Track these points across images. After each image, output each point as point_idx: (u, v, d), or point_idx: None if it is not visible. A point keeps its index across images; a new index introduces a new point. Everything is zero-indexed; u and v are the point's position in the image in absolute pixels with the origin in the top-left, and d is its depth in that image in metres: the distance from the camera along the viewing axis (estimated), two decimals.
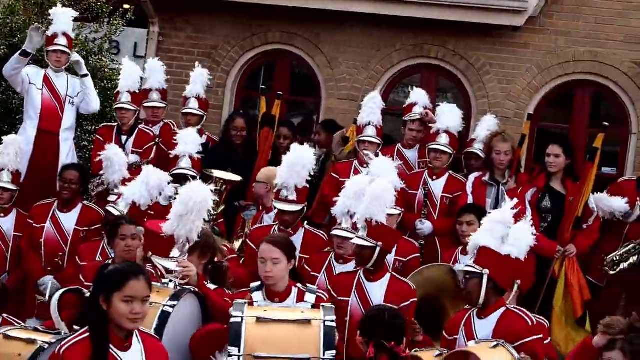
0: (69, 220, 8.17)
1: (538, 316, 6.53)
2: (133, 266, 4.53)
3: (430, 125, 8.88)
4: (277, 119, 9.31)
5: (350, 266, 6.93)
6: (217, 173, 8.00)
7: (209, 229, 6.19)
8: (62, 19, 8.96)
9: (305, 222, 7.69)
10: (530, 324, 5.66)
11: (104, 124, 9.64)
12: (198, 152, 8.48)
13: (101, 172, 8.41)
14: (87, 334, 4.26)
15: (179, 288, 5.57)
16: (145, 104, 9.55)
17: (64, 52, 8.97)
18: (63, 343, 4.27)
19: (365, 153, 8.38)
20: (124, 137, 9.11)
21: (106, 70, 10.69)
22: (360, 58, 11.01)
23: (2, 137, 8.51)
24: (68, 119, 9.06)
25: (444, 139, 8.59)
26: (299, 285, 5.85)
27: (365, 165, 8.32)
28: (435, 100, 9.90)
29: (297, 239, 7.07)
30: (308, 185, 7.44)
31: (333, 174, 8.70)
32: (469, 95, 10.81)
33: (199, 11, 11.33)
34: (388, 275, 6.57)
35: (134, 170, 8.41)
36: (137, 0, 11.30)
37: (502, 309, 5.76)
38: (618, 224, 8.49)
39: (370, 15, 10.70)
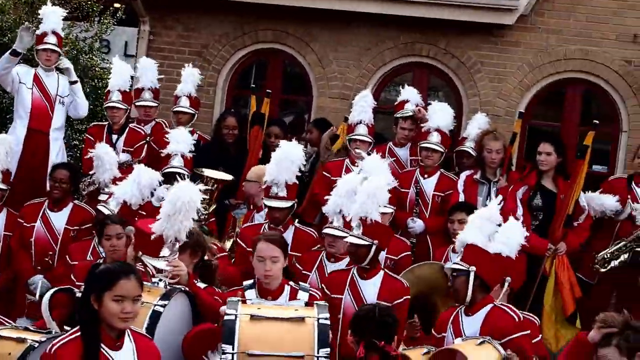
0: (60, 219, 8.15)
1: (529, 314, 6.54)
2: (124, 265, 4.53)
3: (421, 123, 8.88)
4: (266, 117, 9.30)
5: (342, 264, 6.94)
6: (207, 172, 8.00)
7: (197, 228, 6.17)
8: (52, 17, 8.94)
9: (296, 220, 7.69)
10: (517, 320, 5.68)
11: (95, 123, 9.62)
12: (190, 151, 8.47)
13: (92, 172, 8.39)
14: (78, 333, 4.25)
15: (169, 287, 5.56)
16: (137, 103, 9.54)
17: (54, 51, 8.95)
18: (55, 342, 4.25)
19: (357, 152, 8.38)
20: (114, 136, 9.09)
21: (97, 69, 10.68)
22: (352, 56, 11.01)
23: None
24: (58, 118, 9.04)
25: (435, 137, 8.60)
26: (291, 283, 5.85)
27: (356, 164, 8.33)
28: (427, 99, 9.90)
29: (287, 236, 7.04)
30: (297, 182, 7.43)
31: (324, 173, 8.70)
32: (460, 94, 10.81)
33: (190, 10, 11.30)
34: (381, 273, 6.59)
35: (125, 169, 8.40)
36: None
37: (489, 306, 5.78)
38: (609, 221, 8.51)
39: (361, 14, 10.69)
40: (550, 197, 8.30)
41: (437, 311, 6.71)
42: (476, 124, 9.11)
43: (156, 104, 9.60)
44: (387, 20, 10.73)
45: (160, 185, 7.88)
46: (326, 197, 7.15)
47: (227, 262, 7.22)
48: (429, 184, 8.57)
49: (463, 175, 8.52)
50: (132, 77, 9.52)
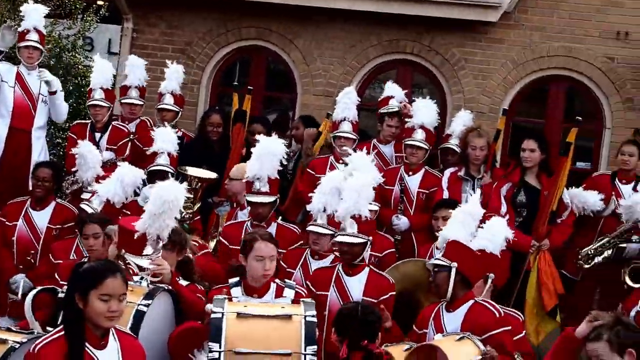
0: (42, 218, 8.12)
1: (512, 310, 6.56)
2: (109, 264, 4.51)
3: (406, 120, 8.88)
4: (248, 114, 9.27)
5: (326, 262, 6.95)
6: (191, 171, 7.97)
7: (179, 226, 6.16)
8: (33, 15, 8.90)
9: (279, 218, 7.67)
10: (498, 316, 5.70)
11: (78, 121, 9.57)
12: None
13: (74, 170, 8.35)
14: (62, 333, 4.23)
15: (152, 286, 5.55)
16: (123, 101, 9.53)
17: (36, 48, 8.92)
18: (38, 342, 4.23)
19: (343, 149, 8.38)
20: (97, 134, 9.05)
21: (80, 67, 10.64)
22: (336, 54, 11.00)
23: None
24: (40, 117, 9.01)
25: (419, 134, 8.60)
26: (277, 280, 5.84)
27: (341, 161, 8.33)
28: (411, 96, 9.90)
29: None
30: (279, 177, 7.41)
31: (309, 170, 8.69)
32: (444, 91, 10.82)
33: (173, 7, 11.26)
34: (367, 270, 6.62)
35: (109, 167, 8.37)
36: None
37: (470, 302, 5.80)
38: (593, 218, 8.53)
39: (345, 11, 10.69)
40: (534, 194, 8.32)
41: (421, 308, 6.72)
42: (460, 121, 9.12)
43: (142, 103, 9.58)
44: (371, 18, 10.72)
45: (145, 184, 7.88)
46: (310, 195, 7.15)
47: (210, 258, 7.21)
48: (414, 181, 8.57)
49: (447, 172, 8.53)
50: (114, 75, 9.49)
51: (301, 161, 9.24)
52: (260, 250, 5.72)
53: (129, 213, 7.34)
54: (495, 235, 6.48)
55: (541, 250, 8.14)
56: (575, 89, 10.81)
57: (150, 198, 5.77)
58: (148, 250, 5.78)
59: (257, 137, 7.49)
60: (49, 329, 4.78)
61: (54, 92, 9.01)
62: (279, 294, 5.72)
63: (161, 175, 7.62)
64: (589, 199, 8.43)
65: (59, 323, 4.39)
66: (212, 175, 8.09)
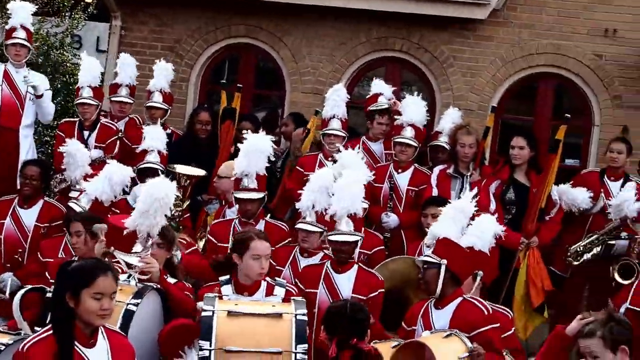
0: (30, 216, 8.08)
1: (501, 307, 6.57)
2: (100, 262, 4.51)
3: (395, 117, 8.88)
4: (237, 112, 9.26)
5: (315, 259, 6.95)
6: (179, 168, 7.95)
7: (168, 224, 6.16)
8: (20, 12, 8.86)
9: (268, 215, 7.67)
10: (486, 313, 5.70)
11: (66, 119, 9.54)
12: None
13: (62, 168, 8.32)
14: (50, 332, 4.21)
15: (141, 285, 5.54)
16: (113, 98, 9.50)
17: (24, 46, 8.88)
18: (26, 341, 4.21)
19: (335, 146, 8.38)
20: (86, 132, 9.01)
21: (68, 64, 10.60)
22: (325, 51, 10.98)
23: None
24: (28, 115, 8.97)
25: (409, 132, 8.60)
26: (267, 278, 5.84)
27: (330, 159, 8.33)
28: (400, 93, 9.90)
29: None
30: (267, 174, 7.40)
31: (298, 167, 8.69)
32: (433, 88, 10.82)
33: (162, 4, 11.22)
34: (356, 267, 6.64)
35: (98, 165, 8.34)
36: None
37: (459, 299, 5.80)
38: (582, 215, 8.55)
39: (334, 9, 10.68)
40: (523, 191, 8.33)
41: (410, 305, 6.72)
42: (449, 119, 9.12)
43: (132, 101, 9.54)
44: (360, 15, 10.72)
45: (136, 183, 7.87)
46: (299, 192, 7.15)
47: (197, 256, 7.20)
48: (403, 179, 8.57)
49: (436, 170, 8.54)
50: (102, 73, 9.46)
51: (289, 159, 9.23)
52: (257, 249, 5.73)
53: (118, 212, 7.32)
54: (484, 232, 6.49)
55: (530, 247, 8.16)
56: (563, 86, 10.83)
57: (140, 195, 5.77)
58: (137, 247, 5.78)
59: (244, 134, 7.48)
60: (37, 328, 4.75)
61: (40, 96, 8.96)
62: (269, 292, 5.73)
63: (151, 173, 7.62)
64: (578, 196, 8.45)
65: (47, 322, 4.36)
66: (201, 172, 8.07)
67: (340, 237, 6.61)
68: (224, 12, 11.13)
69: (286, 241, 7.34)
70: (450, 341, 5.44)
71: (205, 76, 11.42)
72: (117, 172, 7.51)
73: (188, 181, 7.86)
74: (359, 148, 8.17)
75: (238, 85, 9.71)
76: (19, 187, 8.31)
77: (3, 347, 4.78)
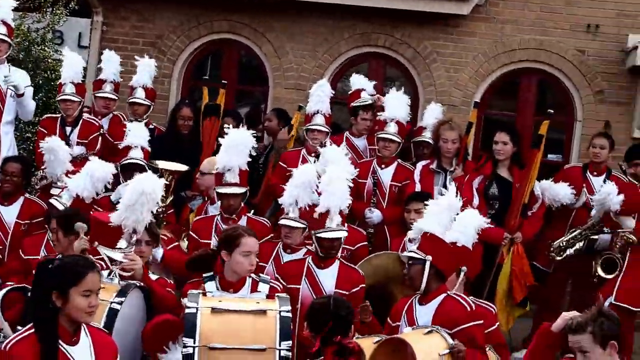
0: (10, 213, 8.01)
1: (485, 302, 6.58)
2: (86, 260, 4.52)
3: (378, 112, 8.89)
4: (222, 108, 9.24)
5: (298, 255, 6.95)
6: (162, 164, 7.92)
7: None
8: (1, 8, 8.78)
9: (252, 212, 7.65)
10: (469, 309, 5.69)
11: (48, 115, 9.47)
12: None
13: (43, 166, 8.27)
14: (32, 330, 4.20)
15: (124, 283, 5.52)
16: (98, 94, 9.45)
17: (4, 41, 8.81)
18: (8, 340, 4.21)
19: (322, 142, 8.37)
20: (68, 129, 8.96)
21: (49, 60, 10.51)
22: (308, 47, 10.97)
23: None
24: (9, 112, 8.90)
25: (392, 127, 8.60)
26: (252, 275, 5.83)
27: (313, 154, 8.32)
28: (383, 89, 9.90)
29: None
30: (248, 168, 7.38)
31: (281, 163, 8.68)
32: (416, 84, 10.83)
33: (144, 0, 11.18)
34: (337, 262, 6.64)
35: (80, 162, 8.29)
36: None
37: (443, 296, 5.80)
38: (564, 210, 8.58)
39: (317, 4, 10.67)
40: (506, 186, 8.34)
41: (394, 300, 6.72)
42: (432, 114, 9.14)
43: (116, 98, 9.50)
44: (343, 11, 10.71)
45: (118, 181, 7.84)
46: (282, 186, 7.14)
47: (178, 252, 7.17)
48: (386, 174, 8.57)
49: (419, 165, 8.54)
50: (84, 69, 9.41)
51: (272, 154, 9.22)
52: (247, 246, 5.71)
53: (100, 210, 7.29)
54: (467, 227, 6.49)
55: (515, 243, 8.17)
56: (546, 81, 10.87)
57: (127, 190, 5.77)
58: (122, 243, 5.77)
59: (226, 129, 7.48)
60: (19, 328, 4.72)
61: (22, 94, 8.90)
62: (254, 288, 5.72)
63: (135, 169, 7.63)
64: (560, 191, 8.48)
65: (29, 321, 4.34)
66: (183, 167, 8.05)
67: (331, 234, 6.61)
68: (206, 8, 11.10)
69: (268, 237, 7.32)
70: (431, 337, 5.44)
71: (187, 72, 11.39)
72: (98, 169, 7.48)
73: (171, 177, 7.83)
74: (344, 144, 8.17)
75: (223, 81, 9.68)
76: None
77: None
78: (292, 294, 6.11)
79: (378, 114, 8.87)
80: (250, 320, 5.18)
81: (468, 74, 10.71)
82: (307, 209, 6.96)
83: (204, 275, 5.78)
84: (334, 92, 9.18)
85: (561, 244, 8.35)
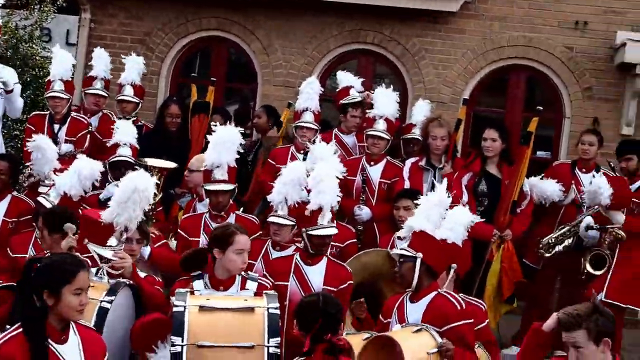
0: None
1: (475, 299, 6.58)
2: (75, 258, 4.52)
3: (367, 109, 8.88)
4: (211, 105, 9.22)
5: (288, 253, 6.92)
6: (150, 162, 7.90)
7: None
8: None
9: (241, 209, 7.64)
10: (459, 308, 5.69)
11: (36, 112, 9.43)
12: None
13: (30, 164, 8.23)
14: (20, 330, 4.18)
15: (113, 282, 5.51)
16: (88, 91, 9.42)
17: None
18: None
19: (307, 138, 8.36)
20: (56, 126, 8.93)
21: (37, 58, 10.47)
22: (297, 44, 10.97)
23: None
24: None
25: (381, 125, 8.59)
26: (242, 272, 5.81)
27: (302, 152, 8.31)
28: (372, 86, 9.90)
29: None
30: (236, 165, 7.37)
31: (269, 160, 8.66)
32: (405, 81, 10.83)
33: None
34: (325, 259, 6.63)
35: (68, 159, 8.26)
36: None
37: (433, 293, 5.79)
38: (553, 207, 8.60)
39: (306, 2, 10.66)
40: (495, 183, 8.35)
41: (383, 297, 6.73)
42: (421, 111, 9.14)
43: (106, 95, 9.47)
44: (332, 8, 10.71)
45: (107, 179, 7.82)
46: (271, 183, 7.13)
47: (167, 249, 7.16)
48: (375, 172, 8.56)
49: (408, 162, 8.54)
50: (73, 66, 9.38)
51: (261, 151, 9.21)
52: (241, 244, 5.70)
53: (87, 207, 7.26)
54: (457, 224, 6.49)
55: (505, 240, 8.17)
56: (534, 78, 10.89)
57: (119, 187, 5.75)
58: (112, 241, 5.75)
59: (213, 126, 7.46)
60: (8, 327, 4.70)
61: (10, 91, 8.86)
62: (243, 286, 5.71)
63: (124, 166, 7.64)
64: (548, 188, 8.50)
65: (18, 320, 4.32)
66: (172, 164, 8.03)
67: (323, 231, 6.60)
68: (194, 5, 11.08)
69: (257, 235, 7.31)
70: (420, 336, 5.45)
71: (176, 69, 11.37)
72: (86, 167, 7.44)
73: (160, 174, 7.81)
74: (334, 141, 8.16)
75: (212, 78, 9.67)
76: None
77: None
78: (280, 291, 6.09)
79: (367, 111, 8.86)
80: (239, 318, 5.18)
81: (457, 71, 10.72)
82: (297, 206, 6.95)
83: (192, 273, 5.77)
84: (322, 90, 9.16)
85: (550, 241, 8.37)
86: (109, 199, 6.11)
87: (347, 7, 10.64)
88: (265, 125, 9.65)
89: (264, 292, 5.49)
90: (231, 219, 7.16)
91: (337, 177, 6.87)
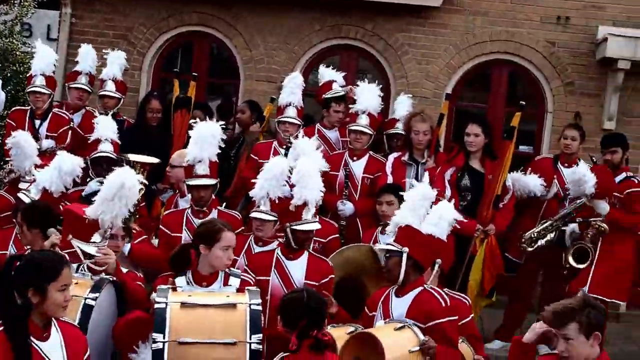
0: None
1: (459, 294, 6.58)
2: (56, 254, 4.51)
3: (349, 105, 8.87)
4: (192, 100, 9.18)
5: (270, 248, 6.90)
6: (132, 157, 7.86)
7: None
8: None
9: (224, 205, 7.61)
10: (444, 305, 5.68)
11: (16, 107, 9.37)
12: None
13: (11, 160, 8.18)
14: (1, 328, 4.15)
15: (97, 278, 5.48)
16: (72, 85, 9.38)
17: None
18: None
19: (289, 134, 8.35)
20: (37, 122, 8.87)
21: (17, 53, 10.42)
22: (279, 39, 10.93)
23: None
24: None
25: (364, 120, 8.59)
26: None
27: (284, 147, 8.29)
28: (354, 81, 9.88)
29: None
30: (218, 160, 7.34)
31: (252, 155, 8.64)
32: (388, 76, 10.82)
33: None
34: (306, 254, 6.62)
35: (49, 155, 8.21)
36: None
37: (419, 289, 5.78)
38: (536, 201, 8.62)
39: None
40: (478, 178, 8.36)
41: (366, 293, 6.73)
42: (403, 106, 9.14)
43: (90, 91, 9.42)
44: (314, 3, 10.68)
45: (89, 176, 7.77)
46: (253, 180, 7.11)
47: (148, 245, 7.13)
48: (358, 167, 8.56)
49: (391, 157, 8.54)
50: (56, 61, 9.33)
51: (244, 147, 9.18)
52: (227, 240, 5.69)
53: (68, 204, 7.22)
54: (441, 219, 6.49)
55: (489, 235, 8.18)
56: (517, 73, 10.90)
57: (105, 184, 5.72)
58: (96, 238, 5.72)
59: (192, 123, 7.44)
60: None
61: None
62: (226, 282, 5.71)
63: (105, 162, 7.62)
64: (530, 182, 8.52)
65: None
66: (154, 160, 8.00)
67: (308, 226, 6.59)
68: (176, 0, 11.02)
69: (239, 230, 7.29)
70: (402, 333, 5.45)
71: (157, 65, 11.31)
72: (67, 162, 7.40)
73: (142, 169, 7.78)
74: (316, 136, 8.15)
75: (193, 74, 9.63)
76: None
77: None
78: (262, 286, 6.08)
79: (350, 106, 8.84)
80: (220, 314, 5.17)
81: (439, 65, 10.72)
82: (278, 201, 6.93)
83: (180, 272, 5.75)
84: (305, 85, 9.14)
85: (532, 235, 8.39)
86: (91, 194, 6.08)
87: (329, 2, 10.62)
88: (249, 120, 9.63)
89: (246, 288, 5.48)
90: (213, 215, 7.14)
91: (320, 172, 6.87)
